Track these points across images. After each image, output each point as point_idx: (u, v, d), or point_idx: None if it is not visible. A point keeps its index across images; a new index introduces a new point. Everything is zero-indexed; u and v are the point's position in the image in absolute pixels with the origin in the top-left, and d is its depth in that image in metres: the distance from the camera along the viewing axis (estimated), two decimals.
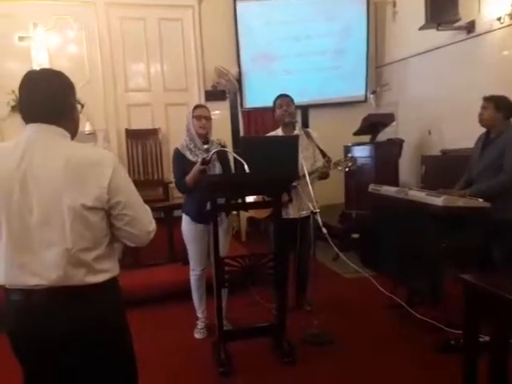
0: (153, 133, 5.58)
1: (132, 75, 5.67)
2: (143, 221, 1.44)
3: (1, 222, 1.31)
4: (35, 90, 1.36)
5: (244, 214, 5.29)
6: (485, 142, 3.13)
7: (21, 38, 5.14)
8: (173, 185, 5.12)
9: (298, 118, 5.72)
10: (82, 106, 1.49)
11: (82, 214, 1.30)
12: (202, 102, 5.55)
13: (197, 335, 3.09)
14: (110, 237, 1.42)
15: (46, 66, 5.05)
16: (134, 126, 5.59)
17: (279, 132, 3.28)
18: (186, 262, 3.26)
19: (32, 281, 1.31)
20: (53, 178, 1.29)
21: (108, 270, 1.40)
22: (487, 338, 1.99)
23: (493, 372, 1.91)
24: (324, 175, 3.13)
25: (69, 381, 1.42)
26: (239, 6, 5.76)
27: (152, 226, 1.47)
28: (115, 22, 5.49)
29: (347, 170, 3.08)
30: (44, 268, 1.31)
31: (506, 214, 2.87)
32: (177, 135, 5.49)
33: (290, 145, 2.74)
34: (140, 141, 5.51)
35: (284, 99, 3.21)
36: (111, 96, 5.48)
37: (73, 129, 1.44)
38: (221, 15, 5.78)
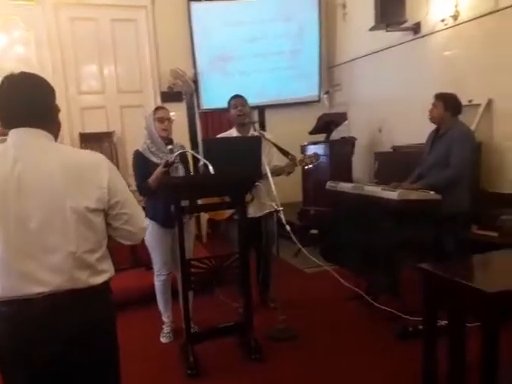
0: (108, 136, 5.47)
1: (85, 77, 5.53)
2: (139, 218, 1.48)
3: None
4: (18, 94, 1.33)
5: (204, 216, 5.28)
6: (434, 138, 3.28)
7: None
8: (130, 188, 5.10)
9: (255, 118, 5.78)
10: (59, 110, 1.47)
11: (85, 216, 1.31)
12: (158, 103, 5.50)
13: (163, 339, 3.07)
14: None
15: None
16: (89, 130, 5.45)
17: (233, 132, 3.29)
18: (150, 267, 3.24)
19: (36, 289, 1.27)
20: (51, 182, 1.28)
21: (108, 270, 1.42)
22: (444, 323, 2.12)
23: (452, 354, 2.03)
24: (286, 173, 3.21)
25: None
26: (193, 6, 5.75)
27: (145, 222, 1.53)
28: (65, 23, 5.34)
29: (311, 166, 3.22)
30: (49, 273, 1.28)
31: (455, 208, 3.03)
32: (133, 138, 5.41)
33: (253, 145, 2.78)
34: (95, 144, 5.37)
35: (238, 100, 3.23)
36: (63, 99, 5.28)
37: (56, 132, 1.43)
38: (175, 16, 5.74)
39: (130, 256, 3.97)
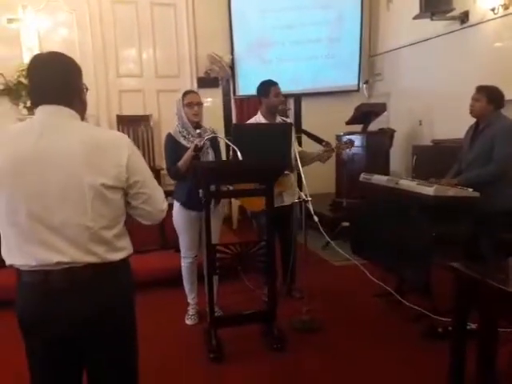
0: (144, 119, 5.54)
1: (124, 60, 5.61)
2: (158, 199, 1.49)
3: (19, 201, 1.30)
4: (46, 72, 1.37)
5: (236, 202, 5.29)
6: (474, 132, 3.13)
7: (10, 20, 5.05)
8: (164, 171, 5.13)
9: (291, 106, 5.71)
10: (87, 89, 1.50)
11: (102, 192, 1.33)
12: (195, 88, 5.50)
13: (188, 321, 3.10)
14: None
15: (36, 49, 4.99)
16: (126, 112, 5.53)
17: (261, 119, 3.24)
18: (179, 249, 3.26)
19: (55, 258, 1.31)
20: (72, 158, 1.30)
21: (126, 247, 1.44)
22: (475, 326, 2.03)
23: (481, 359, 1.95)
24: (324, 159, 3.20)
25: (80, 360, 1.44)
26: None
27: (165, 204, 1.53)
28: (106, 6, 5.42)
29: (348, 150, 3.23)
30: (67, 245, 1.31)
31: (494, 206, 2.88)
32: (169, 121, 5.42)
33: (284, 132, 2.74)
34: (131, 127, 5.46)
35: (278, 87, 3.19)
36: (102, 81, 5.41)
37: (82, 111, 1.46)
38: (214, 1, 5.71)
39: (159, 237, 4.02)
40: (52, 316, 1.34)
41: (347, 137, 4.98)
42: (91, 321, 1.36)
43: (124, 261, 1.43)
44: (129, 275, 1.49)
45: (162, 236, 4.02)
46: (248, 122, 3.35)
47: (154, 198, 1.47)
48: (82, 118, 1.45)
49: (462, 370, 1.98)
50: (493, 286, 1.77)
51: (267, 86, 3.22)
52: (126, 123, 5.45)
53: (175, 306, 3.24)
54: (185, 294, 3.16)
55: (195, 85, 5.72)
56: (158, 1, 5.59)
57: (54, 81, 1.36)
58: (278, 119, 3.20)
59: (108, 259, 1.37)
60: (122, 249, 1.42)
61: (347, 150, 3.26)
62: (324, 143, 3.15)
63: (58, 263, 1.31)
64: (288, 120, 3.22)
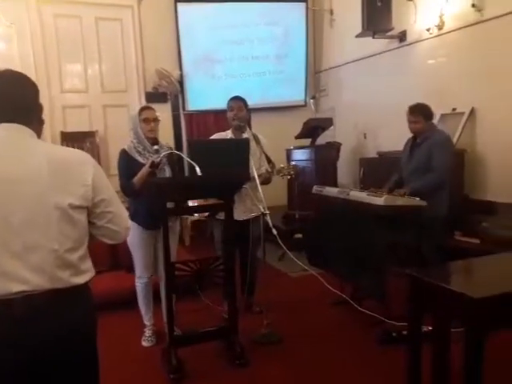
0: (90, 135, 5.39)
1: (68, 75, 5.44)
2: (123, 217, 1.47)
3: None
4: (3, 90, 1.33)
5: (188, 218, 5.23)
6: (412, 145, 3.33)
7: None
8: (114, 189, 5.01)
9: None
10: (42, 108, 1.46)
11: (68, 213, 1.29)
12: (143, 103, 5.41)
13: (145, 343, 3.00)
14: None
15: None
16: (70, 129, 5.34)
17: (229, 134, 3.26)
18: (130, 270, 3.17)
19: (15, 287, 1.24)
20: (36, 179, 1.26)
21: (89, 269, 1.40)
22: (428, 329, 2.12)
23: (435, 360, 2.04)
24: (266, 181, 3.18)
25: None
26: (180, 7, 5.71)
27: (129, 221, 1.51)
28: (49, 19, 5.25)
29: (289, 177, 3.22)
30: (29, 272, 1.25)
31: (434, 212, 3.06)
32: (116, 137, 5.34)
33: (241, 148, 2.75)
34: (76, 144, 5.26)
35: (236, 102, 3.17)
36: (45, 97, 5.16)
37: (39, 130, 1.42)
38: (161, 16, 5.70)
39: (109, 258, 3.87)
40: (12, 343, 1.27)
41: (298, 151, 5.14)
42: (53, 346, 1.30)
43: (86, 283, 1.39)
44: (91, 297, 1.44)
45: (113, 256, 3.88)
46: (214, 136, 3.30)
47: (120, 217, 1.45)
48: (39, 137, 1.41)
49: (419, 370, 2.06)
50: (444, 288, 1.86)
51: (228, 101, 3.20)
52: (71, 140, 5.27)
53: (130, 329, 3.14)
54: (139, 315, 3.06)
55: (143, 100, 5.64)
56: (103, 15, 5.49)
57: (11, 99, 1.32)
58: (246, 135, 3.18)
59: (72, 283, 1.32)
60: (86, 271, 1.38)
61: (289, 175, 3.21)
62: (270, 165, 3.15)
63: (18, 293, 1.25)
64: (261, 137, 3.21)
